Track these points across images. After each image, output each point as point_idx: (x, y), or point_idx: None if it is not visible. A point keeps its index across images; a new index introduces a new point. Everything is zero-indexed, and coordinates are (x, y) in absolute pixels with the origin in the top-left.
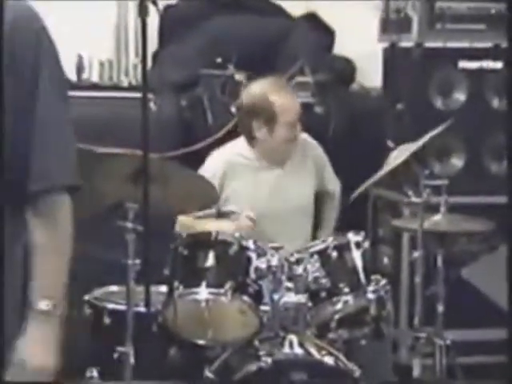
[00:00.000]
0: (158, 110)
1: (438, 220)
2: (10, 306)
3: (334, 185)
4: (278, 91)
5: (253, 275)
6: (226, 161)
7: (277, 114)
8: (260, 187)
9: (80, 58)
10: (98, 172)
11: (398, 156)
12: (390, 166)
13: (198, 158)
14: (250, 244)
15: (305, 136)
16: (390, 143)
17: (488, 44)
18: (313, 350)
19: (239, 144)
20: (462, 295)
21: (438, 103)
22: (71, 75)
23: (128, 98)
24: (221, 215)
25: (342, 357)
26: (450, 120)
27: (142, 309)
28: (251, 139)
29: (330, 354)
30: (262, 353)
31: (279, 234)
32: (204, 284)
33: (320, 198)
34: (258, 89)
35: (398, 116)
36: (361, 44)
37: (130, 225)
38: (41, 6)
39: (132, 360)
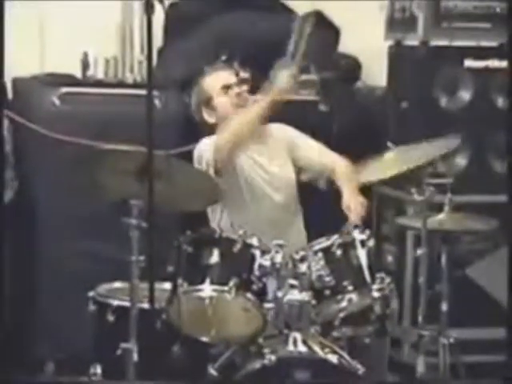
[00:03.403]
0: (163, 107)
1: (441, 219)
2: None
3: (310, 153)
4: (205, 76)
5: (257, 272)
6: None
7: (208, 90)
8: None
9: (85, 54)
10: (102, 169)
11: (394, 158)
12: (389, 174)
13: None
14: (254, 241)
15: (268, 125)
16: (389, 144)
17: (494, 43)
18: (316, 348)
19: None
20: (465, 293)
21: (443, 102)
22: (76, 72)
23: (133, 95)
24: None
25: (345, 355)
26: (454, 123)
27: (145, 305)
28: (211, 129)
29: (334, 351)
30: (265, 350)
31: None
32: (208, 281)
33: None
34: None
35: (402, 114)
36: (366, 42)
37: (134, 221)
38: (46, 3)
39: (135, 356)
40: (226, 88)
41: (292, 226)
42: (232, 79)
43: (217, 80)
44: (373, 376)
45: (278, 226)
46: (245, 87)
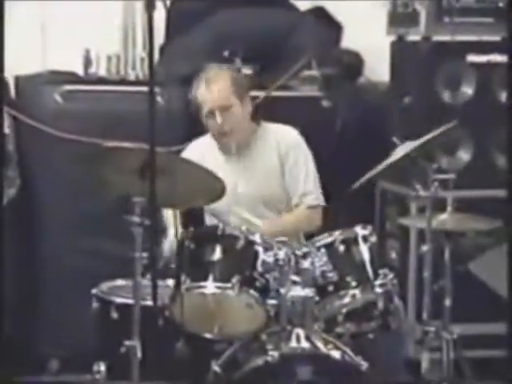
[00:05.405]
0: (165, 104)
1: (444, 219)
2: None
3: (295, 187)
4: (202, 81)
5: (260, 269)
6: (198, 153)
7: (199, 102)
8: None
9: (87, 52)
10: (105, 166)
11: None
12: (390, 160)
13: None
14: (257, 238)
15: (269, 125)
16: (395, 140)
17: (496, 37)
18: (320, 344)
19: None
20: (469, 289)
21: (446, 97)
22: (79, 70)
23: (135, 92)
24: None
25: (348, 351)
26: (457, 118)
27: (149, 303)
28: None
29: (337, 347)
30: (268, 347)
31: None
32: (211, 278)
33: None
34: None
35: (405, 110)
36: (368, 38)
37: (136, 219)
38: (49, 0)
39: (139, 354)
40: (211, 113)
41: None
42: (216, 103)
43: (204, 100)
44: (384, 373)
45: None
46: (231, 113)
